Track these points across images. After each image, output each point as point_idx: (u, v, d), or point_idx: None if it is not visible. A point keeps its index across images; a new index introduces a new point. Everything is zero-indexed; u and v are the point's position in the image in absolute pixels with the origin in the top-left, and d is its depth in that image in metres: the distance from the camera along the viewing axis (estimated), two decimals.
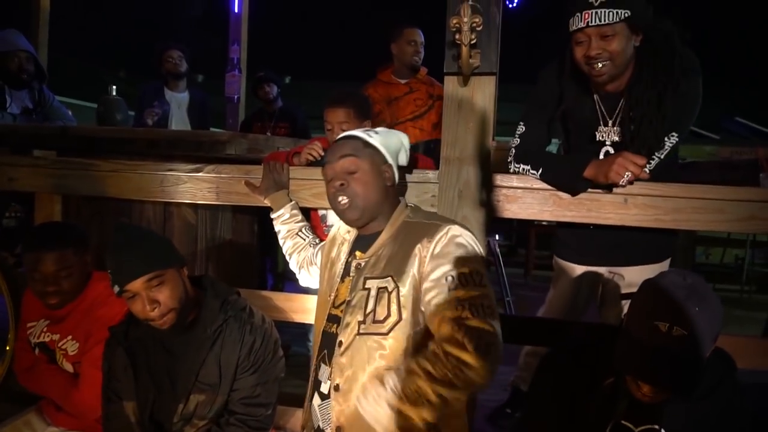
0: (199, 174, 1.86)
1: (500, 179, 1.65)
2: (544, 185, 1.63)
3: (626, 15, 1.51)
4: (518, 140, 1.71)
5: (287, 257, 1.76)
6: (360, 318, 1.32)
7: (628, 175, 1.50)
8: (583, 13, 1.52)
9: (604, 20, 1.51)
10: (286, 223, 1.75)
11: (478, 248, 1.32)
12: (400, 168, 1.48)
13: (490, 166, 1.58)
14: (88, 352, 1.62)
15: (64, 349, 1.68)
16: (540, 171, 1.64)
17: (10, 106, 2.94)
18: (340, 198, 1.38)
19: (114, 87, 2.69)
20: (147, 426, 1.47)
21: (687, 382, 1.10)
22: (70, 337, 1.68)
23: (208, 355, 1.47)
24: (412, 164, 1.91)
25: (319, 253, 1.64)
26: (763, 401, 1.33)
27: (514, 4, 4.22)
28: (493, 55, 1.51)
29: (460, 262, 1.25)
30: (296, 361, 2.55)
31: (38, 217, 2.08)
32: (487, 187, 1.58)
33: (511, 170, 1.71)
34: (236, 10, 4.94)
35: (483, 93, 1.54)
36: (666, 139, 1.58)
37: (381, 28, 3.20)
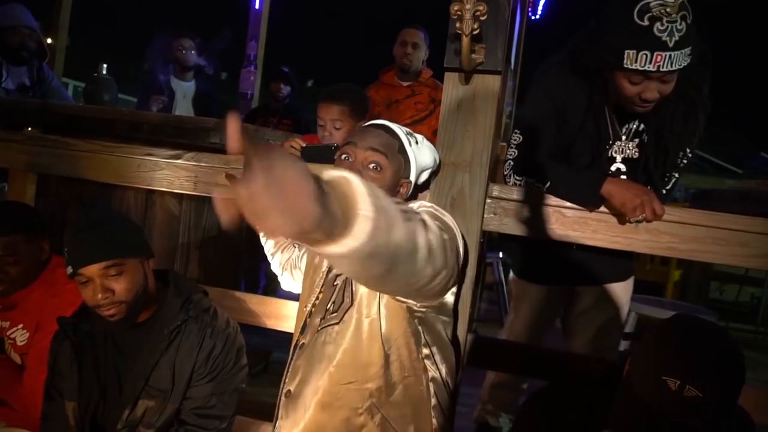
0: (178, 161, 1.73)
1: (499, 190, 1.50)
2: (548, 200, 1.48)
3: (689, 60, 1.33)
4: (516, 151, 1.57)
5: (269, 258, 1.61)
6: (322, 315, 1.22)
7: (643, 216, 1.36)
8: (655, 54, 1.30)
9: (676, 65, 1.31)
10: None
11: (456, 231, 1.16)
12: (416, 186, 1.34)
13: (488, 174, 1.43)
14: (37, 344, 1.49)
15: (12, 338, 1.56)
16: (548, 184, 1.49)
17: (5, 80, 2.86)
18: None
19: (105, 65, 2.58)
20: (87, 431, 1.34)
21: None
22: (20, 325, 1.55)
23: (161, 358, 1.34)
24: None
25: (305, 256, 1.50)
26: None
27: (537, 16, 4.07)
28: (499, 51, 1.36)
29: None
30: (276, 368, 2.40)
31: (11, 194, 1.97)
32: (483, 197, 1.43)
33: (510, 183, 1.56)
34: (257, 6, 4.90)
35: (486, 93, 1.39)
36: (685, 154, 1.48)
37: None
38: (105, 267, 1.25)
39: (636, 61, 1.33)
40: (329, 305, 1.21)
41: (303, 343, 1.24)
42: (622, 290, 1.77)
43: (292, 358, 1.27)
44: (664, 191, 1.52)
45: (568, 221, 1.46)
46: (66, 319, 1.39)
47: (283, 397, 1.24)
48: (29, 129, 2.32)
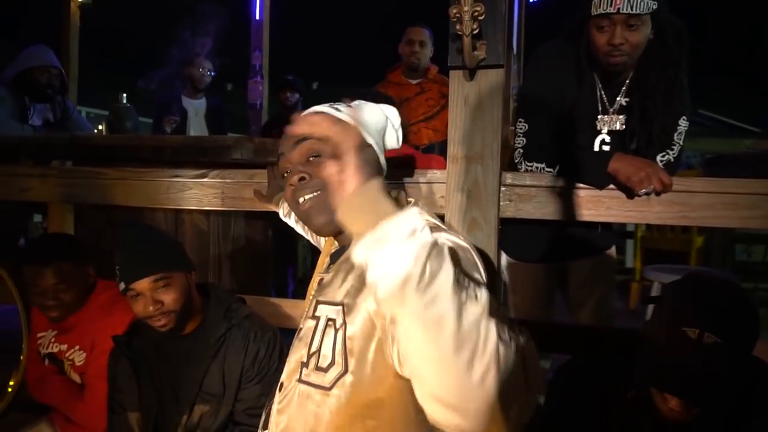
0: (204, 180, 1.83)
1: (512, 178, 1.56)
2: (560, 183, 1.54)
3: (654, 7, 1.47)
4: (524, 139, 1.63)
5: (309, 238, 1.53)
6: (304, 358, 0.98)
7: (650, 188, 1.42)
8: None
9: (636, 9, 1.45)
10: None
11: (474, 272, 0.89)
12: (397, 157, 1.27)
13: (500, 164, 1.50)
14: (93, 363, 1.60)
15: (71, 359, 1.67)
16: (557, 168, 1.56)
17: (32, 118, 3.00)
18: (300, 198, 1.03)
19: (124, 94, 2.70)
20: None
21: (720, 397, 1.00)
22: (77, 347, 1.66)
23: (211, 365, 1.44)
24: (427, 166, 1.84)
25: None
26: None
27: None
28: (500, 46, 1.42)
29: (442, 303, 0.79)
30: None
31: (51, 226, 2.09)
32: (497, 186, 1.50)
33: (522, 170, 1.63)
34: (257, 17, 4.99)
35: (490, 87, 1.45)
36: (679, 123, 1.56)
37: (404, 30, 3.15)
38: (154, 280, 1.35)
39: (600, 6, 1.48)
40: (313, 350, 0.96)
41: (283, 383, 1.03)
42: (608, 259, 1.89)
43: (270, 404, 1.08)
44: (672, 159, 1.58)
45: (581, 201, 1.52)
46: (120, 337, 1.49)
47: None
48: (56, 162, 2.45)
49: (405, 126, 1.23)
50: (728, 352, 0.97)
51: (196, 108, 3.68)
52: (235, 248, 2.46)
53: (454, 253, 0.80)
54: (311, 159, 1.03)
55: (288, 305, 1.86)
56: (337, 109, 1.05)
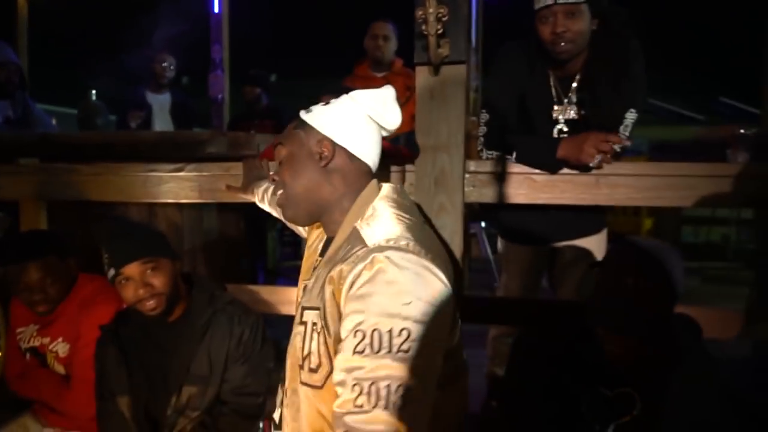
0: (181, 173, 1.89)
1: (475, 165, 1.68)
2: (518, 169, 1.67)
3: None
4: (485, 128, 1.77)
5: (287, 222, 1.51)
6: (299, 361, 1.07)
7: (598, 158, 1.55)
8: None
9: None
10: (267, 192, 1.61)
11: (427, 284, 0.95)
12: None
13: (464, 153, 1.62)
14: (79, 353, 1.65)
15: (54, 351, 1.71)
16: (514, 155, 1.69)
17: None
18: (277, 193, 1.18)
19: (94, 91, 2.71)
20: (142, 421, 1.51)
21: (654, 331, 1.19)
22: (60, 339, 1.70)
23: (198, 348, 1.51)
24: (396, 156, 1.94)
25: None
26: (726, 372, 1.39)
27: None
28: (462, 43, 1.53)
29: (383, 311, 0.91)
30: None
31: (24, 224, 2.10)
32: (462, 173, 1.62)
33: (484, 158, 1.75)
34: (216, 10, 4.96)
35: (454, 81, 1.57)
36: (626, 116, 1.68)
37: (366, 23, 3.23)
38: (143, 263, 1.41)
39: (540, 2, 1.64)
40: (305, 354, 1.05)
41: (285, 382, 1.15)
42: (596, 242, 2.00)
43: (281, 388, 1.20)
44: (619, 149, 1.70)
45: (538, 185, 1.66)
46: (107, 326, 1.55)
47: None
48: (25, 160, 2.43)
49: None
50: (658, 295, 1.19)
51: (161, 103, 3.68)
52: (208, 240, 2.52)
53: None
54: (280, 162, 1.17)
55: (266, 292, 1.94)
56: (308, 110, 1.15)
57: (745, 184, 1.56)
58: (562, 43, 1.66)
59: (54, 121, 3.94)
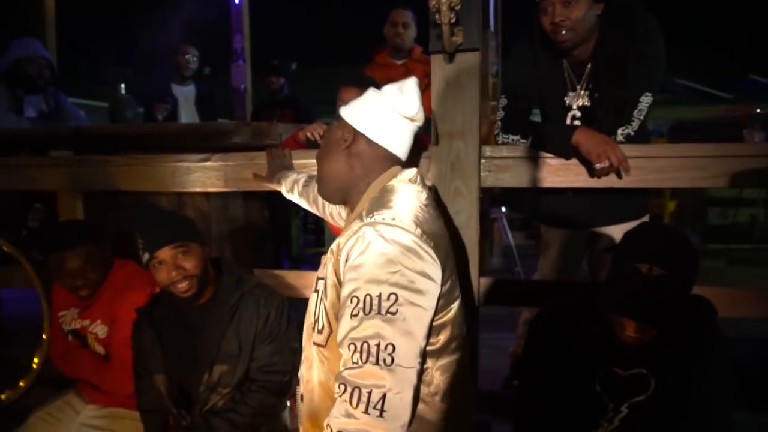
0: (207, 163, 1.97)
1: (490, 150, 1.73)
2: (533, 153, 1.71)
3: None
4: (503, 113, 1.80)
5: (319, 211, 1.69)
6: (312, 324, 1.22)
7: (606, 163, 1.56)
8: None
9: None
10: (297, 184, 1.71)
11: (413, 257, 1.05)
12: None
13: (479, 138, 1.66)
14: (117, 334, 1.75)
15: (94, 333, 1.82)
16: (530, 139, 1.73)
17: (27, 110, 3.08)
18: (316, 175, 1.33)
19: (123, 85, 2.81)
20: (176, 396, 1.61)
21: (667, 318, 1.20)
22: (99, 321, 1.81)
23: (227, 329, 1.60)
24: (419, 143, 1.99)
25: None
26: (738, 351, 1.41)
27: None
28: (475, 31, 1.57)
29: (373, 278, 1.03)
30: None
31: (61, 214, 2.21)
32: (477, 158, 1.66)
33: (500, 141, 1.79)
34: (237, 1, 5.04)
35: (468, 69, 1.61)
36: (640, 100, 1.67)
37: (385, 11, 3.26)
38: (175, 248, 1.51)
39: None
40: (315, 318, 1.20)
41: (302, 347, 1.28)
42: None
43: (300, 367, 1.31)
44: (632, 133, 1.72)
45: (552, 169, 1.69)
46: (143, 309, 1.65)
47: (299, 399, 1.30)
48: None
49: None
50: (672, 282, 1.19)
51: (185, 95, 3.77)
52: (234, 227, 2.61)
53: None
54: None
55: (291, 276, 2.02)
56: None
57: (758, 163, 1.57)
58: (563, 32, 1.68)
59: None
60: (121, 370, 1.71)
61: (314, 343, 1.20)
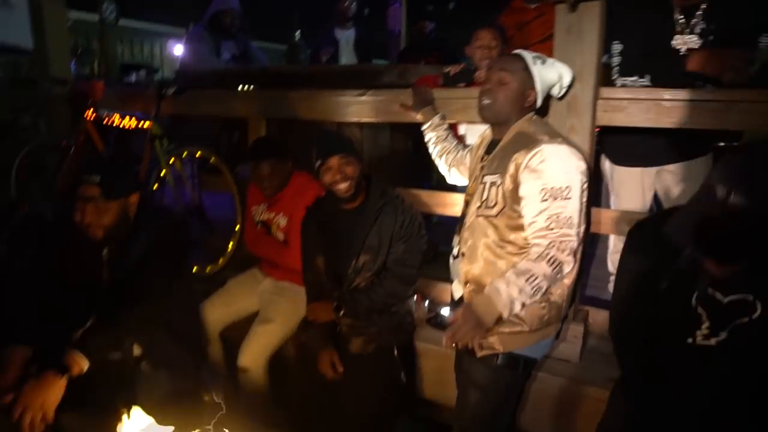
0: (362, 98, 2.40)
1: (607, 92, 1.91)
2: (648, 95, 1.85)
3: None
4: (619, 57, 1.94)
5: (437, 161, 2.12)
6: (478, 204, 1.71)
7: (735, 70, 1.66)
8: None
9: None
10: (434, 130, 2.12)
11: (573, 163, 1.56)
12: (550, 98, 1.80)
13: (596, 81, 1.85)
14: (293, 227, 2.31)
15: (277, 222, 2.41)
16: (648, 77, 1.87)
17: (223, 53, 3.78)
18: (483, 98, 1.72)
19: (298, 32, 3.33)
20: (331, 275, 2.12)
21: (745, 256, 1.06)
22: (281, 214, 2.39)
23: (371, 228, 2.04)
24: None
25: (469, 154, 2.01)
26: None
27: None
28: None
29: (550, 176, 1.53)
30: (442, 258, 3.04)
31: (252, 134, 2.83)
32: (592, 99, 1.86)
33: (619, 84, 1.95)
34: None
35: (589, 18, 1.80)
36: (760, 41, 1.72)
37: None
38: (340, 157, 1.95)
39: None
40: (483, 199, 1.67)
41: (465, 220, 1.76)
42: (703, 163, 2.09)
43: (459, 223, 1.82)
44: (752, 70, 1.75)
45: (664, 110, 1.83)
46: (311, 207, 2.16)
47: (451, 258, 1.82)
48: (245, 87, 3.17)
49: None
50: (754, 213, 0.99)
51: (347, 38, 4.23)
52: (381, 155, 3.06)
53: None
54: (500, 84, 1.69)
55: (425, 195, 2.42)
56: (534, 61, 1.69)
57: None
58: None
59: None
60: (294, 252, 2.26)
61: (481, 216, 1.68)
